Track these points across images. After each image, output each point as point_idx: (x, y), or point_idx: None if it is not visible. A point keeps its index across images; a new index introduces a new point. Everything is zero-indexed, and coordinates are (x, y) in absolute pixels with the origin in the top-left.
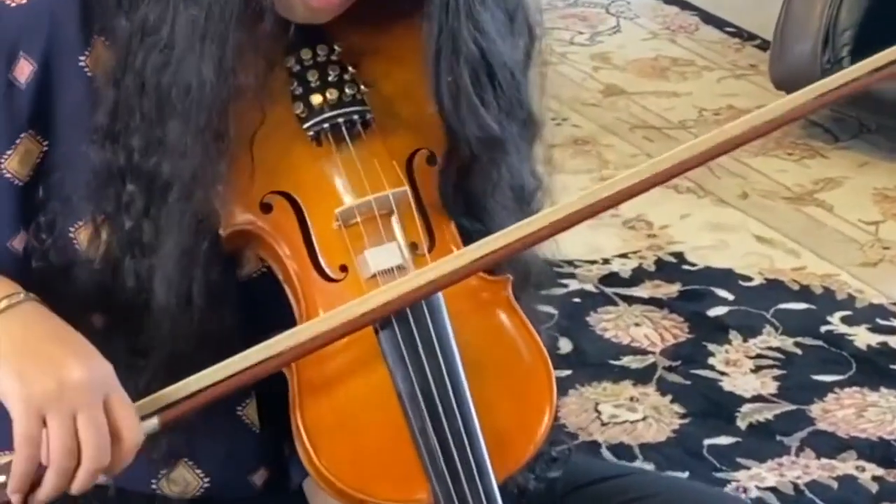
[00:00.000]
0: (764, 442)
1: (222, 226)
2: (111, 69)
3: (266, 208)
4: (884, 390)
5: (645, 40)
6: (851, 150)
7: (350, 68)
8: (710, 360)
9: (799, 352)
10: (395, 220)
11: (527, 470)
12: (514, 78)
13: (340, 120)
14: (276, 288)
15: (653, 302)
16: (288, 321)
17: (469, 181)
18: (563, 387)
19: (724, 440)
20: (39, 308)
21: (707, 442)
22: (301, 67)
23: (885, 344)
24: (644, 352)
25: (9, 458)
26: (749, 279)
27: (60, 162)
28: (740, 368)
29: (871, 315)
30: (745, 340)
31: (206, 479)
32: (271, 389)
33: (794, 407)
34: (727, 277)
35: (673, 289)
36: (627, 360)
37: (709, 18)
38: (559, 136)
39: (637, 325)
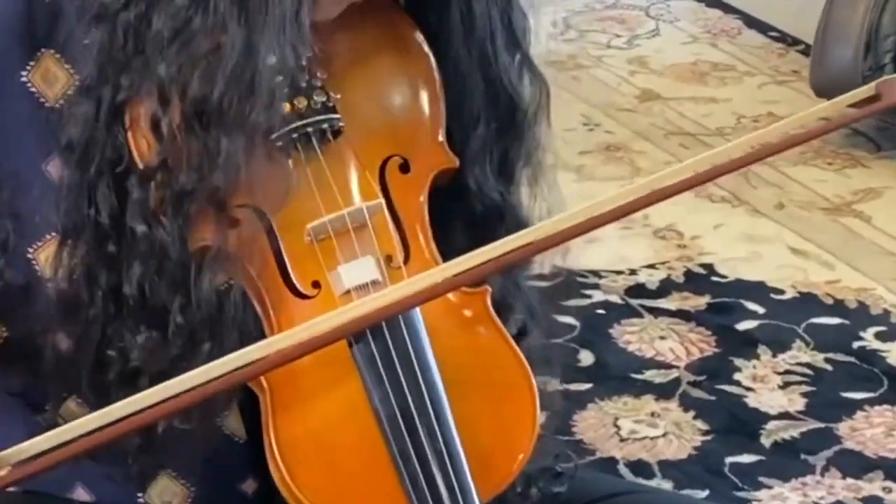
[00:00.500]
0: (788, 461)
1: (189, 241)
2: (81, 82)
3: (234, 223)
4: None
5: (685, 44)
6: (894, 159)
7: (319, 75)
8: (737, 376)
9: (829, 368)
10: (369, 233)
11: (528, 485)
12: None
13: (310, 129)
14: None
15: (680, 314)
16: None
17: (511, 152)
18: (582, 401)
19: (746, 458)
20: None
21: (729, 460)
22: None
23: None
24: (668, 366)
25: None
26: (781, 292)
27: (10, 180)
28: (767, 384)
29: None
30: (773, 356)
31: (193, 489)
32: (256, 399)
33: (821, 425)
34: (758, 290)
35: (701, 301)
36: (650, 374)
37: (752, 22)
38: (591, 143)
39: (662, 338)
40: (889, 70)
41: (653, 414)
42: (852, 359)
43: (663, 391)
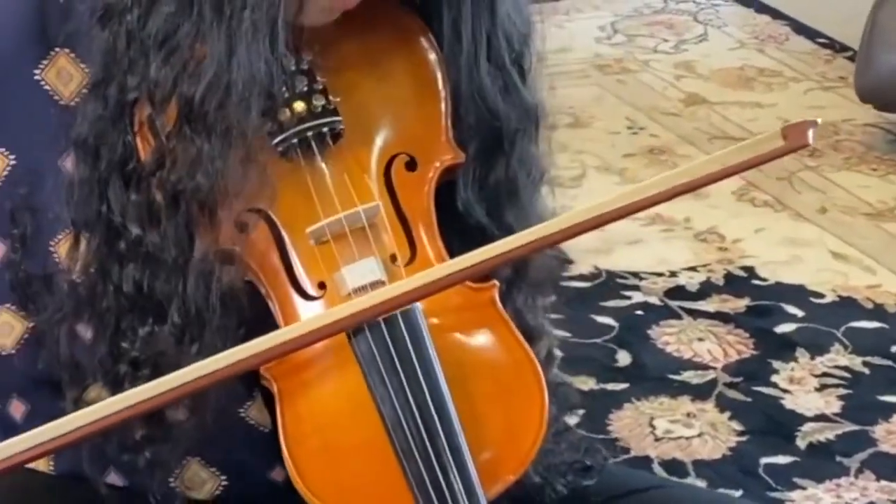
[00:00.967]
0: (823, 462)
1: (198, 244)
2: (91, 80)
3: (241, 227)
4: None
5: (732, 49)
6: None
7: (319, 78)
8: (774, 378)
9: (867, 371)
10: (370, 234)
11: (555, 479)
12: (528, 52)
13: (309, 134)
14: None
15: (718, 316)
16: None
17: (497, 166)
18: (619, 400)
19: (781, 459)
20: None
21: (764, 461)
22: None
23: None
24: (705, 367)
25: None
26: (821, 296)
27: (27, 176)
28: (804, 387)
29: None
30: (811, 358)
31: (223, 477)
32: None
33: (857, 427)
34: (798, 293)
35: (741, 304)
36: (687, 375)
37: (800, 29)
38: (634, 146)
39: (700, 339)
40: None
41: (688, 414)
42: (890, 363)
43: (700, 392)
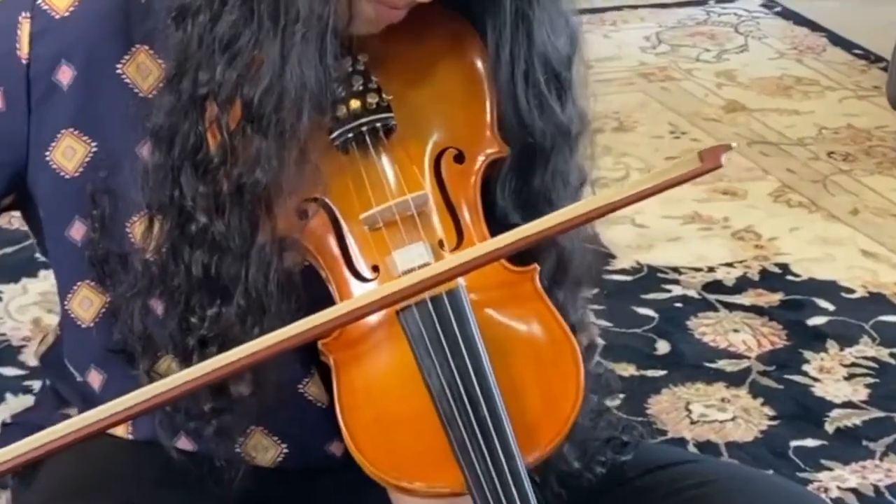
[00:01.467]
0: (849, 446)
1: (261, 230)
2: (165, 75)
3: (303, 215)
4: None
5: (771, 59)
6: None
7: (374, 77)
8: (805, 367)
9: (893, 362)
10: (418, 221)
11: (594, 456)
12: (567, 73)
13: (364, 129)
14: (321, 282)
15: (753, 309)
16: None
17: (535, 177)
18: (657, 386)
19: (810, 442)
20: None
21: (793, 443)
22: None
23: None
24: (740, 356)
25: None
26: (852, 291)
27: (108, 161)
28: (833, 375)
29: None
30: (841, 349)
31: (284, 446)
32: None
33: (883, 414)
34: (830, 289)
35: (775, 298)
36: (723, 364)
37: (837, 40)
38: (677, 149)
39: (736, 330)
40: None
41: (723, 399)
42: None
43: (734, 379)
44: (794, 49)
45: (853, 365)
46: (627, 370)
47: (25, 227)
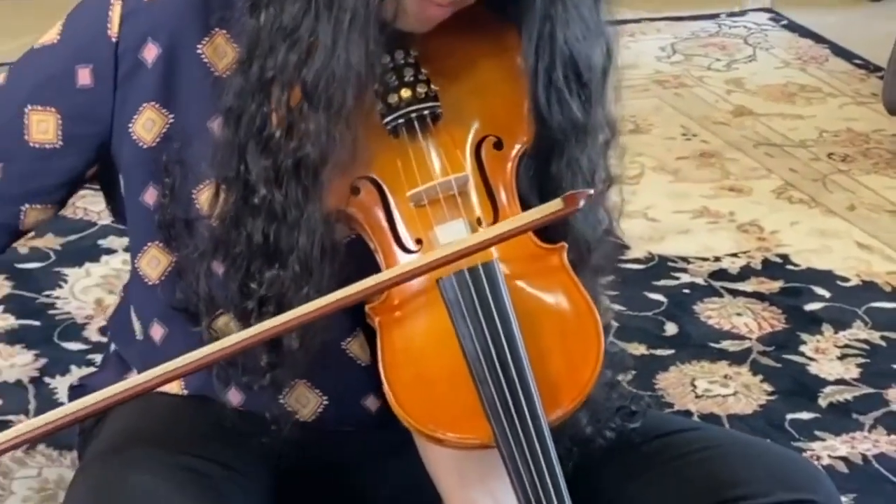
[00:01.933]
0: (841, 419)
1: (319, 204)
2: (237, 59)
3: (355, 191)
4: None
5: (777, 68)
6: None
7: (423, 69)
8: (802, 348)
9: (884, 344)
10: (459, 200)
11: (605, 423)
12: (590, 75)
13: (413, 115)
14: (367, 253)
15: (755, 296)
16: None
17: (551, 165)
18: (665, 364)
19: (804, 415)
20: None
21: (789, 416)
22: (382, 70)
23: None
24: (742, 337)
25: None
26: (846, 280)
27: (181, 133)
28: (828, 356)
29: None
30: (835, 332)
31: (325, 398)
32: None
33: (872, 391)
34: (826, 277)
35: (775, 285)
36: (726, 344)
37: (839, 51)
38: (687, 150)
39: (738, 314)
40: None
41: (725, 376)
42: None
43: (736, 358)
44: (799, 59)
45: (846, 346)
46: (638, 349)
47: (88, 217)
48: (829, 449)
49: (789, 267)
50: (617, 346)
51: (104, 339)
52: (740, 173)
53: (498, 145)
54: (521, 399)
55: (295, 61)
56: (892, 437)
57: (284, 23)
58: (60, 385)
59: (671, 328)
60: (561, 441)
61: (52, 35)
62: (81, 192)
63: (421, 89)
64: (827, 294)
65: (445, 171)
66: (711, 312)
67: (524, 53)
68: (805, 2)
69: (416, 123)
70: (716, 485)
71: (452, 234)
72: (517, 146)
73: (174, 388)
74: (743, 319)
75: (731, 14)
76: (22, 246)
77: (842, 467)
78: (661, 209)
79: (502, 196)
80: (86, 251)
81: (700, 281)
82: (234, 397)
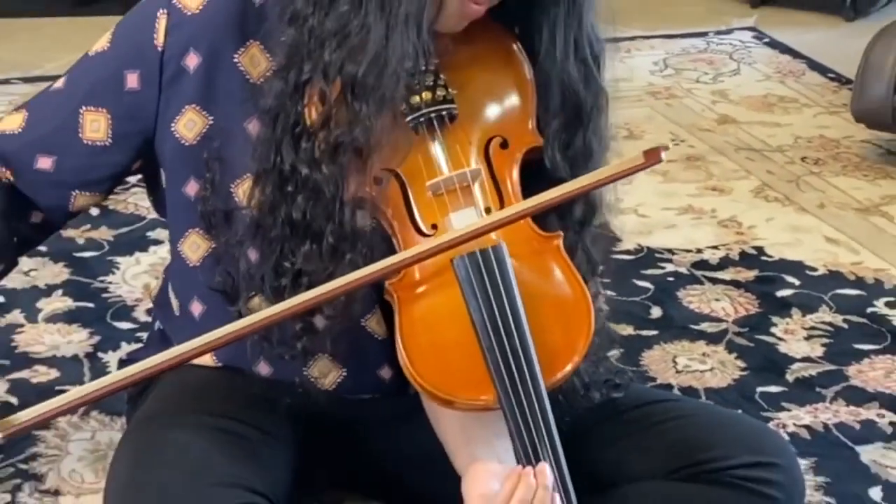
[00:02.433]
0: (805, 392)
1: (346, 192)
2: (277, 65)
3: (378, 181)
4: None
5: (759, 81)
6: None
7: (442, 76)
8: (773, 329)
9: (846, 326)
10: (472, 190)
11: (593, 389)
12: (602, 51)
13: (433, 115)
14: (385, 239)
15: (733, 283)
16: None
17: (578, 136)
18: (650, 343)
19: (773, 389)
20: None
21: (759, 389)
22: (406, 75)
23: None
24: (719, 320)
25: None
26: (815, 269)
27: (220, 133)
28: (795, 336)
29: None
30: (803, 315)
31: (344, 370)
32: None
33: (834, 367)
34: (797, 267)
35: (750, 274)
36: (705, 326)
37: (814, 66)
38: (675, 154)
39: (717, 300)
40: None
41: (703, 354)
42: (865, 320)
43: (713, 338)
44: (778, 73)
45: (812, 328)
46: (626, 330)
47: (139, 212)
48: (794, 418)
49: (763, 258)
50: (607, 326)
51: (150, 319)
52: (722, 175)
53: (504, 145)
54: (522, 364)
55: (342, 58)
56: (851, 407)
57: (329, 26)
58: (112, 359)
59: (656, 311)
60: (555, 408)
61: (102, 43)
62: (133, 190)
63: (440, 93)
64: (797, 282)
65: (460, 165)
66: (692, 298)
67: (549, 41)
68: (785, 21)
69: (434, 122)
70: (690, 448)
71: (466, 220)
72: (521, 147)
73: (207, 360)
74: (721, 304)
75: (719, 32)
76: (79, 237)
77: (805, 434)
78: (651, 206)
79: (508, 188)
80: (135, 242)
81: (683, 270)
82: (263, 369)
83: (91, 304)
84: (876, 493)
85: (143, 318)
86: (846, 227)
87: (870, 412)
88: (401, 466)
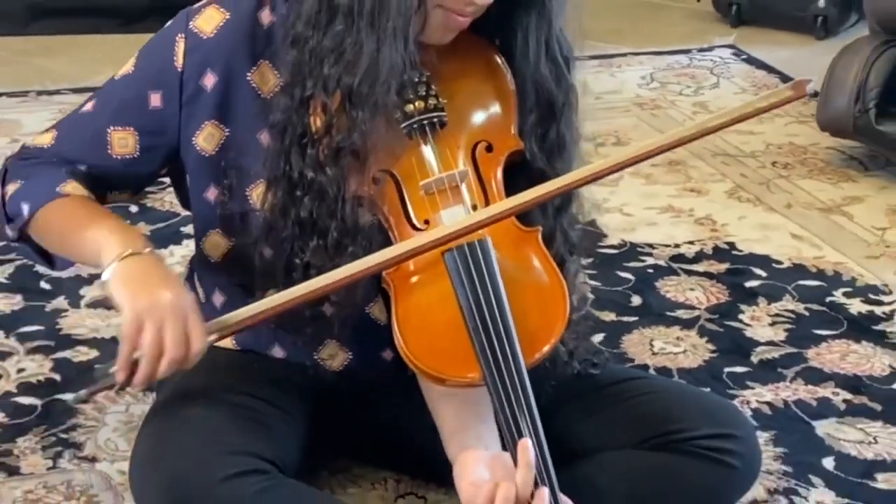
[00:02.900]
0: (768, 372)
1: (347, 192)
2: (283, 82)
3: (376, 181)
4: (864, 343)
5: (736, 94)
6: (877, 177)
7: (433, 86)
8: (741, 316)
9: (807, 314)
10: (461, 189)
11: (573, 360)
12: (570, 53)
13: (425, 122)
14: (382, 232)
15: (706, 275)
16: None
17: (552, 130)
18: (630, 328)
19: (739, 369)
20: (154, 258)
21: (727, 370)
22: (401, 86)
23: (871, 312)
24: (693, 308)
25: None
26: (780, 263)
27: (236, 144)
28: (761, 322)
29: (865, 291)
30: (768, 304)
31: (350, 353)
32: None
33: (795, 350)
34: (764, 261)
35: (722, 267)
36: (680, 313)
37: (787, 80)
38: (658, 159)
39: (691, 290)
40: (872, 114)
41: (677, 338)
42: (824, 309)
43: (687, 324)
44: (754, 86)
45: (776, 315)
46: (609, 317)
47: (173, 209)
48: (758, 395)
49: (735, 252)
50: (590, 312)
51: None
52: (700, 178)
53: (489, 149)
54: (505, 345)
55: (340, 71)
56: (809, 386)
57: (327, 45)
58: None
59: (636, 300)
60: (541, 374)
61: (128, 67)
62: (168, 189)
63: (431, 102)
64: (764, 274)
65: (449, 166)
66: (669, 288)
67: (523, 44)
68: (762, 40)
69: (427, 128)
70: (657, 421)
71: (455, 216)
72: (504, 151)
73: (228, 343)
74: (695, 293)
75: (701, 49)
76: None
77: (766, 410)
78: (635, 206)
79: (493, 187)
80: (170, 236)
81: (662, 263)
82: (278, 352)
83: None
84: (829, 462)
85: None
86: (810, 225)
87: (826, 391)
88: (403, 436)
